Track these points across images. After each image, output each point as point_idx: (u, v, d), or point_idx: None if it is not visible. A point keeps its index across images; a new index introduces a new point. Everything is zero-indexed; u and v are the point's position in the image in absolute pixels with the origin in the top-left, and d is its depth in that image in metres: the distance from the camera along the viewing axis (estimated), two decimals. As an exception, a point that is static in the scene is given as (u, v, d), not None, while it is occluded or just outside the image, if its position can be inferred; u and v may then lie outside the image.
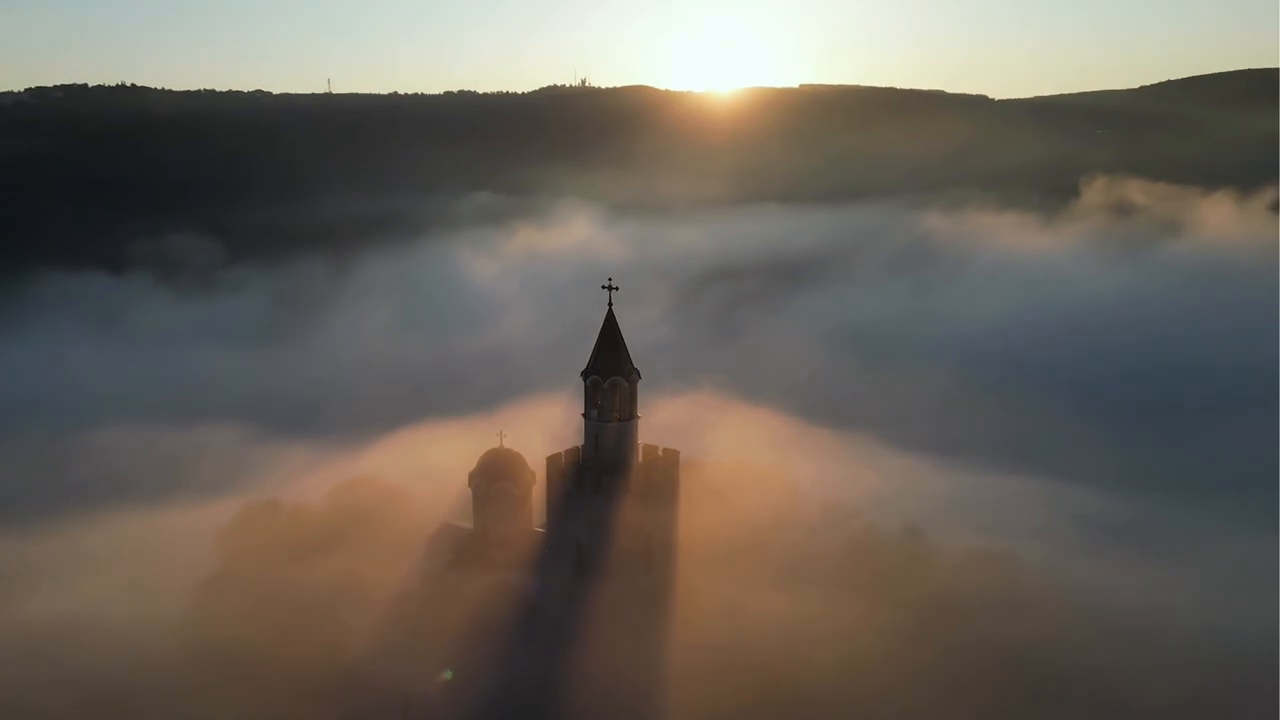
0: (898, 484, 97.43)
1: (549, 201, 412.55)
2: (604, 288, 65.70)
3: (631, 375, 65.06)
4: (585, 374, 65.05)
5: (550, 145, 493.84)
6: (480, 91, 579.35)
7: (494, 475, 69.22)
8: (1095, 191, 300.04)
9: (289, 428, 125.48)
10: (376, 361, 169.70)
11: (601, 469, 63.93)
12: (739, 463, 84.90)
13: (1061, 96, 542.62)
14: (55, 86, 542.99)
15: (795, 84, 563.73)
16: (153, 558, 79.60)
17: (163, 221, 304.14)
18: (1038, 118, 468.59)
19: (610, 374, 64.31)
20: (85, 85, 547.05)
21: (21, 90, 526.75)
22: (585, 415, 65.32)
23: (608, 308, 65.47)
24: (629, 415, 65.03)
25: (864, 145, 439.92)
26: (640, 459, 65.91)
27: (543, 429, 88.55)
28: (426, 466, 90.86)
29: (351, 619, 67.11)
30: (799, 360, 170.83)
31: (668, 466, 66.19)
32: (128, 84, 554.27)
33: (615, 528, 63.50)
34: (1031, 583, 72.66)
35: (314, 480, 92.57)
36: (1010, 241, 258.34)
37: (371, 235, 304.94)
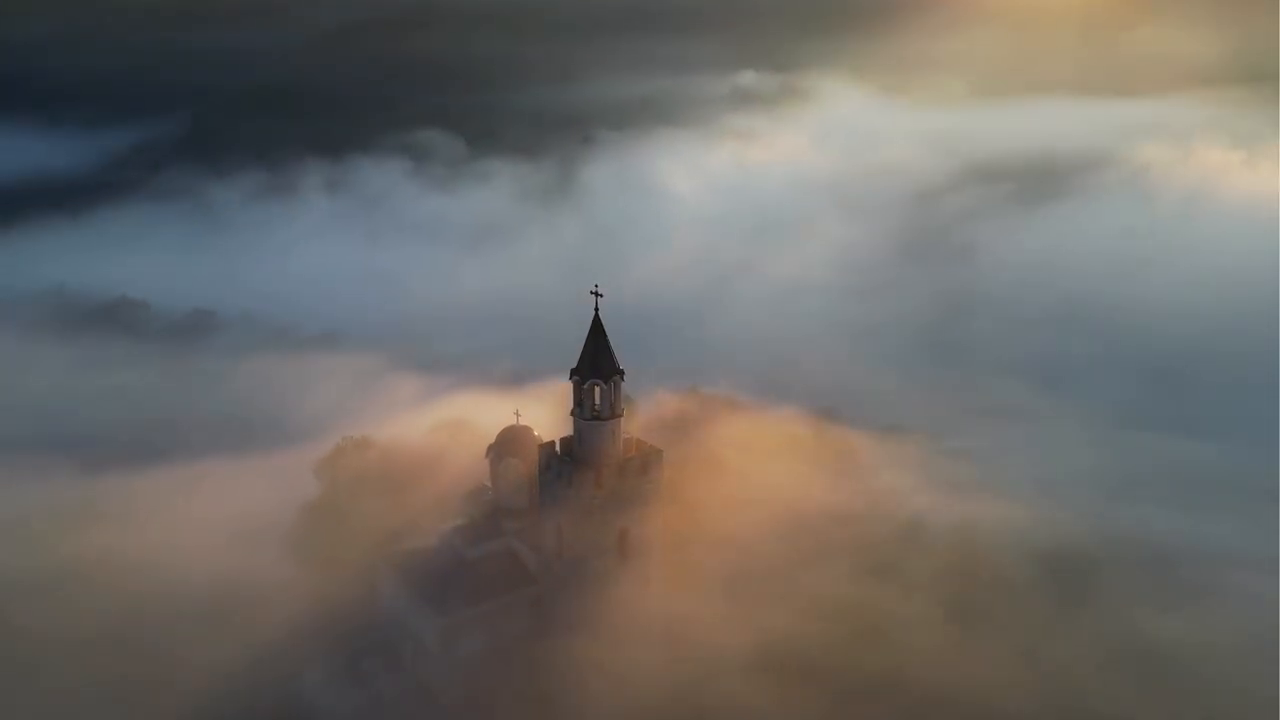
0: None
1: (815, 83, 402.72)
2: (591, 293, 69.29)
3: (613, 379, 68.98)
4: (571, 373, 69.78)
5: (839, 17, 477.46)
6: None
7: (505, 451, 75.84)
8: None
9: (434, 356, 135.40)
10: (549, 283, 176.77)
11: (576, 463, 69.15)
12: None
13: None
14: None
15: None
16: (251, 495, 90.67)
17: (436, 106, 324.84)
18: None
19: (590, 376, 68.73)
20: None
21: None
22: (572, 412, 70.36)
23: (594, 313, 69.28)
24: (608, 415, 69.30)
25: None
26: (625, 454, 70.51)
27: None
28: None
29: (378, 562, 76.72)
30: (978, 310, 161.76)
31: (646, 464, 70.38)
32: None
33: (585, 518, 68.82)
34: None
35: (421, 416, 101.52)
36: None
37: (616, 123, 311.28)
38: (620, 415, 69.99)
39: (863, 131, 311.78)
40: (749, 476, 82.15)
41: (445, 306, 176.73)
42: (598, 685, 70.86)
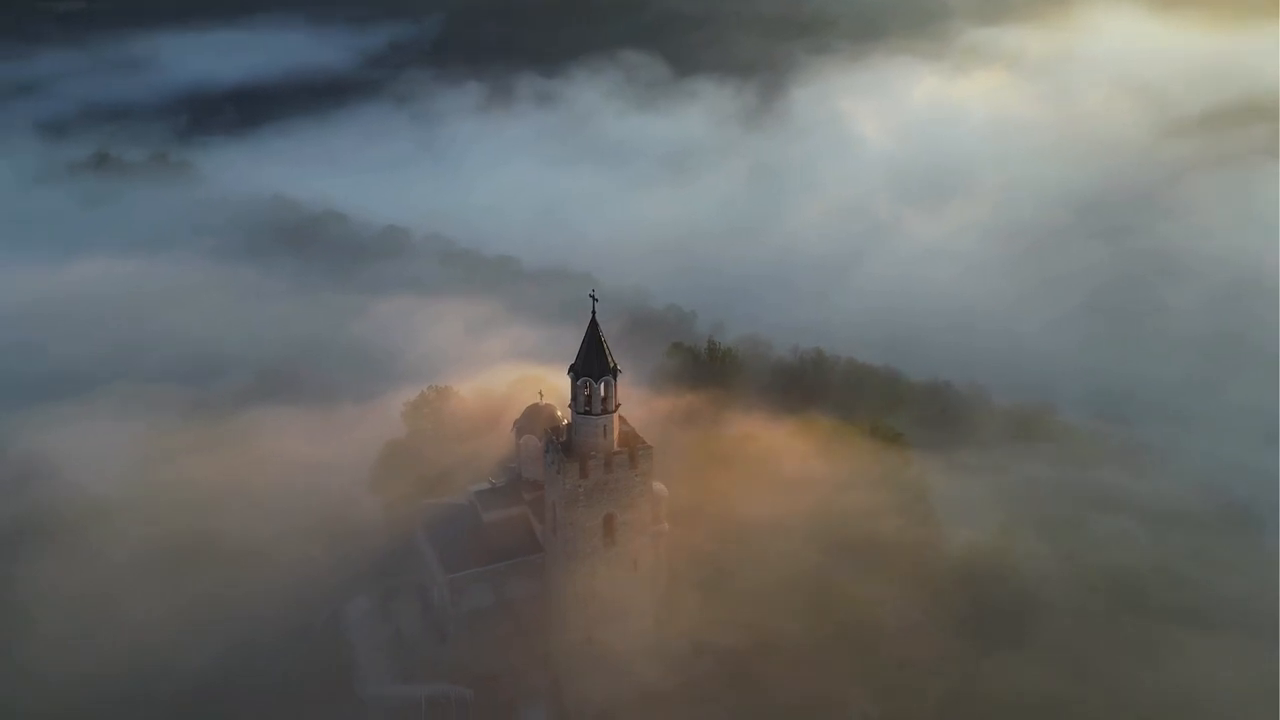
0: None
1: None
2: (589, 296, 73.25)
3: (605, 379, 73.13)
4: (569, 370, 74.46)
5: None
6: None
7: (525, 429, 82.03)
8: None
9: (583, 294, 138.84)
10: (720, 219, 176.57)
11: (567, 452, 74.36)
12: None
13: None
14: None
15: None
16: (351, 434, 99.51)
17: (657, 14, 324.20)
18: None
19: (582, 375, 73.26)
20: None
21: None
22: (569, 404, 75.31)
23: (591, 315, 73.34)
24: (599, 411, 73.73)
25: None
26: (618, 447, 75.03)
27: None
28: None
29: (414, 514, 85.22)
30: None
31: (635, 459, 74.66)
32: None
33: (572, 503, 74.14)
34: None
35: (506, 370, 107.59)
36: None
37: (846, 34, 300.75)
38: (612, 412, 74.10)
39: (1115, 56, 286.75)
40: (758, 476, 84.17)
41: (617, 239, 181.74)
42: (585, 655, 77.36)
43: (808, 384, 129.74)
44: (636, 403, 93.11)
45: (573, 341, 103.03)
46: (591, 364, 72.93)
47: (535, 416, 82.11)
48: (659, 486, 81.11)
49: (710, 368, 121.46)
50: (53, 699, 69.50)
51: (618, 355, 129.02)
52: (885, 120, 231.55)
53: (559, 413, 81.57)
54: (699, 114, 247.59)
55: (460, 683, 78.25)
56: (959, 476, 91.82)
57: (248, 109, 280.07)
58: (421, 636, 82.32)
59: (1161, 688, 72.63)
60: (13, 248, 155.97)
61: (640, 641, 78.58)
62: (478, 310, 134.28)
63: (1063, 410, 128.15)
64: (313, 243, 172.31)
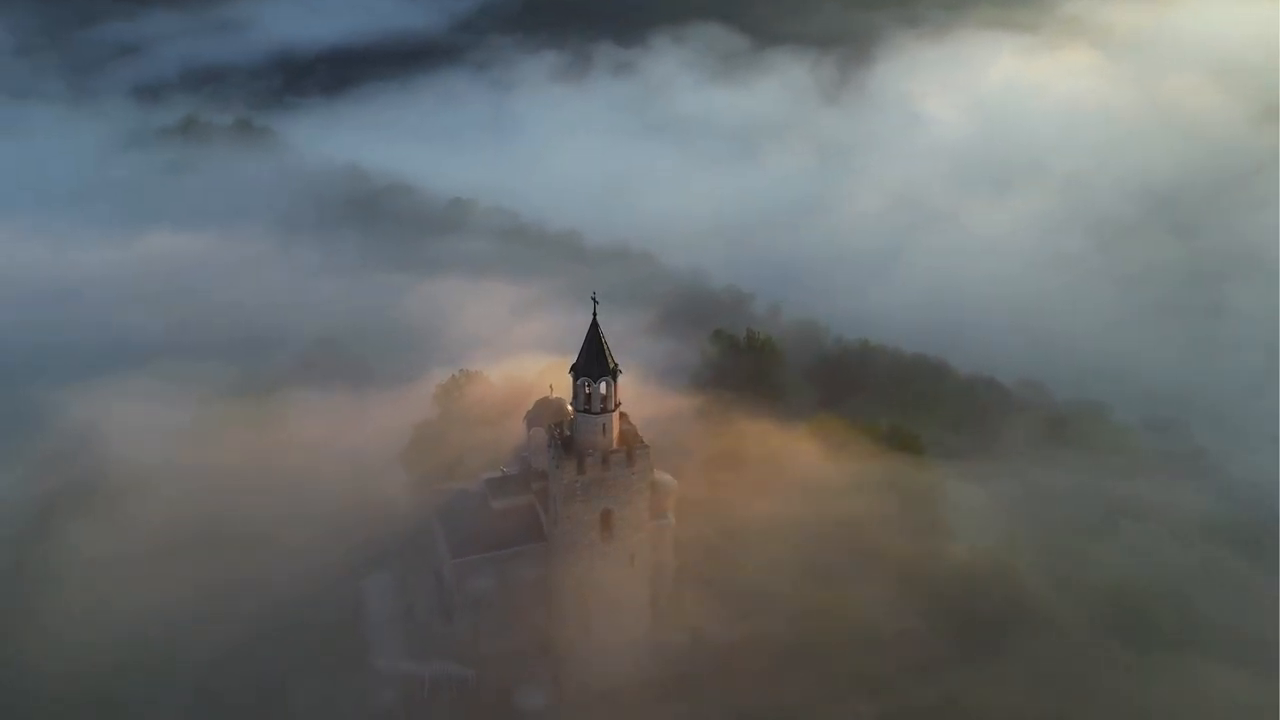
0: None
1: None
2: (592, 299, 74.91)
3: (604, 379, 74.90)
4: (570, 369, 76.39)
5: None
6: None
7: (535, 421, 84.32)
8: None
9: (639, 276, 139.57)
10: (782, 201, 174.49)
11: (566, 448, 76.47)
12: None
13: None
14: None
15: None
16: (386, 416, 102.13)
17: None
18: None
19: (582, 374, 75.16)
20: None
21: None
22: (570, 403, 77.34)
23: (593, 317, 75.03)
24: (599, 410, 75.61)
25: None
26: (616, 445, 76.87)
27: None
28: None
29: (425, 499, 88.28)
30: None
31: (632, 457, 76.44)
32: None
33: (570, 498, 76.33)
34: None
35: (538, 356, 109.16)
36: None
37: (933, 7, 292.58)
38: (611, 411, 75.85)
39: (1215, 34, 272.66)
40: (768, 475, 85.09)
41: (681, 216, 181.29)
42: (583, 644, 79.85)
43: (851, 375, 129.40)
44: (654, 398, 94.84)
45: (609, 329, 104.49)
46: (592, 365, 74.69)
47: (544, 409, 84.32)
48: (668, 478, 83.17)
49: (749, 357, 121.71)
50: (71, 675, 73.64)
51: (669, 335, 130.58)
52: (963, 99, 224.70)
53: (568, 406, 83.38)
54: (773, 88, 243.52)
55: (464, 663, 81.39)
56: (974, 483, 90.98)
57: (337, 72, 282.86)
58: (431, 616, 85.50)
59: (1154, 707, 72.02)
60: (90, 219, 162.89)
61: (637, 634, 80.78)
62: (525, 292, 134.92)
63: (1116, 414, 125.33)
64: (379, 216, 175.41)
